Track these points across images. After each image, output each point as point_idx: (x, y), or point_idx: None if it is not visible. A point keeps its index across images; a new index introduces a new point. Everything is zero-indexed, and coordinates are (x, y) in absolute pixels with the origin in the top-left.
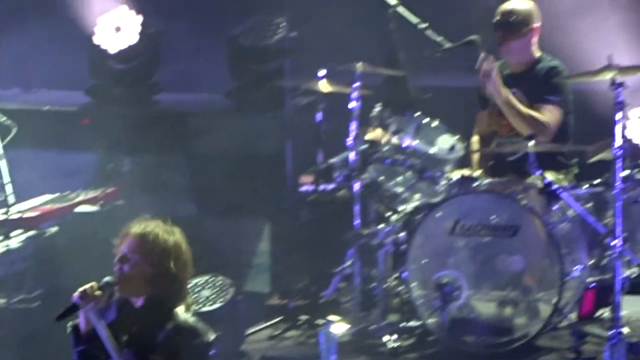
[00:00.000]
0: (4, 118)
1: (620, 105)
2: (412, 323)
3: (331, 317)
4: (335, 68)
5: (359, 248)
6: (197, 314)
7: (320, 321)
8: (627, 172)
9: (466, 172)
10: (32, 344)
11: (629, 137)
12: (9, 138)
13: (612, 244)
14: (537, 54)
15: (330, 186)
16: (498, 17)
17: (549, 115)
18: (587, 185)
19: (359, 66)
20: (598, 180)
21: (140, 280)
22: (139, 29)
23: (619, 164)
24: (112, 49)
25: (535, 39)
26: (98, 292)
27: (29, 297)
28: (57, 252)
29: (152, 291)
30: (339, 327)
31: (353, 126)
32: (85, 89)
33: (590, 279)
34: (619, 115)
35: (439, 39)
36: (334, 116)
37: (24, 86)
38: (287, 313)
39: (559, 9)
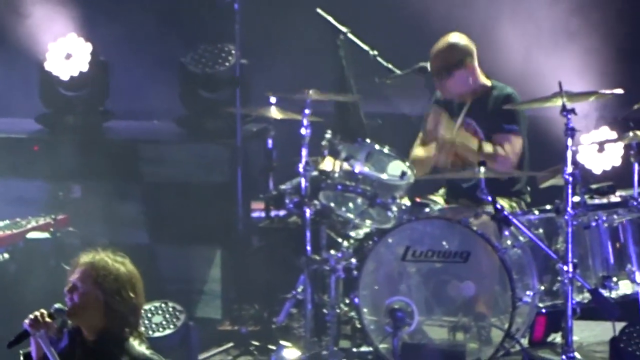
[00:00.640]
0: None
1: (571, 131)
2: (364, 349)
3: (283, 343)
4: (285, 95)
5: (311, 274)
6: (148, 339)
7: (272, 347)
8: (578, 197)
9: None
10: None
11: (580, 162)
12: None
13: (563, 269)
14: (488, 82)
15: (282, 212)
16: (431, 62)
17: (509, 147)
18: (538, 211)
19: (310, 93)
20: (549, 206)
21: (91, 310)
22: (89, 57)
23: (570, 190)
24: (63, 76)
25: (476, 69)
26: (49, 319)
27: None
28: (8, 278)
29: (104, 321)
30: (290, 353)
31: (304, 153)
32: (35, 117)
33: (541, 305)
34: (569, 141)
35: (389, 65)
36: (285, 143)
37: None
38: (238, 339)
39: (509, 36)
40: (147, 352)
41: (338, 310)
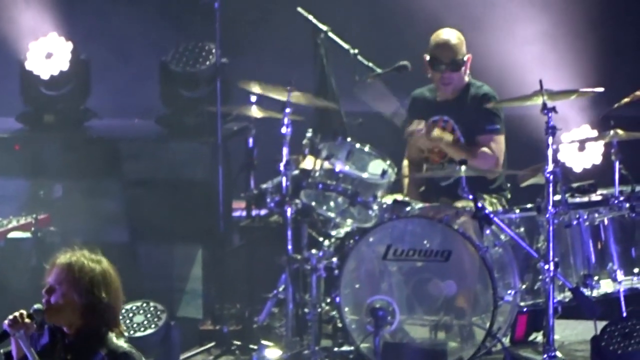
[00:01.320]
0: None
1: (552, 130)
2: (345, 348)
3: (264, 342)
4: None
5: (292, 273)
6: (129, 339)
7: (254, 346)
8: (559, 196)
9: (399, 197)
10: None
11: (561, 160)
12: None
13: (544, 268)
14: (466, 79)
15: (263, 211)
16: (442, 52)
17: (495, 146)
18: (519, 210)
19: (290, 95)
20: (530, 205)
21: (68, 310)
22: (70, 56)
23: (551, 188)
24: (44, 75)
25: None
26: (28, 320)
27: None
28: None
29: (82, 321)
30: (272, 352)
31: (285, 151)
32: (16, 116)
33: (523, 303)
34: (550, 140)
35: (370, 64)
36: (266, 142)
37: None
38: (220, 338)
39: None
40: (125, 345)
41: (319, 310)
